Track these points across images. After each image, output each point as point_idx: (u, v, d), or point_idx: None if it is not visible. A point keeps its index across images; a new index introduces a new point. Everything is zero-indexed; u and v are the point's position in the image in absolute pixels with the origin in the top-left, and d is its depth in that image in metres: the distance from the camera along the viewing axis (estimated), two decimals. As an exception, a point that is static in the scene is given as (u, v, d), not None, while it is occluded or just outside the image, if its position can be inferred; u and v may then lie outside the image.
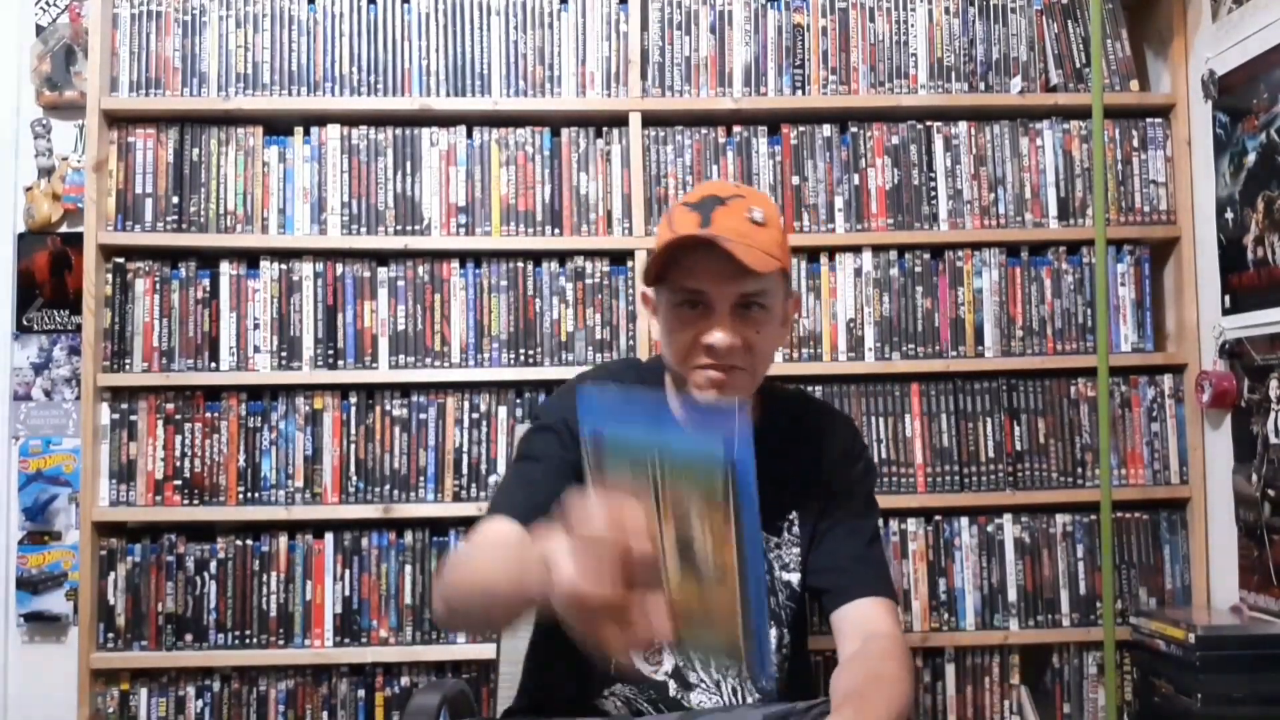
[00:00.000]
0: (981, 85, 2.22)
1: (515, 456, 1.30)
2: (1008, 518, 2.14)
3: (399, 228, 2.14)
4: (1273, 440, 1.93)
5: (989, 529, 2.13)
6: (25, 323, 2.28)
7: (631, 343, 2.14)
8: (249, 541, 2.07)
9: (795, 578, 1.24)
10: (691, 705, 1.19)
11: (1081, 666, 2.13)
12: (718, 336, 1.11)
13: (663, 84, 2.18)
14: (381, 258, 2.15)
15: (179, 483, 2.07)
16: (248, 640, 2.05)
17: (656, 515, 0.70)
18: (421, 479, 2.11)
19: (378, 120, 2.16)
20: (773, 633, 1.22)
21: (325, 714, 2.06)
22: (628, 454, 0.70)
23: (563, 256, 2.15)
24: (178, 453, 2.08)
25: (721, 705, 1.19)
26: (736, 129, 2.19)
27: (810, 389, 2.12)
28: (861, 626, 1.15)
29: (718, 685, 1.20)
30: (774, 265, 1.13)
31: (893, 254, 2.18)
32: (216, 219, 2.13)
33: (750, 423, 0.69)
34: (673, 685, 1.19)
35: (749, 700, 1.20)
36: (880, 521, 1.31)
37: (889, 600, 1.20)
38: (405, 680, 2.07)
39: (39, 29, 2.32)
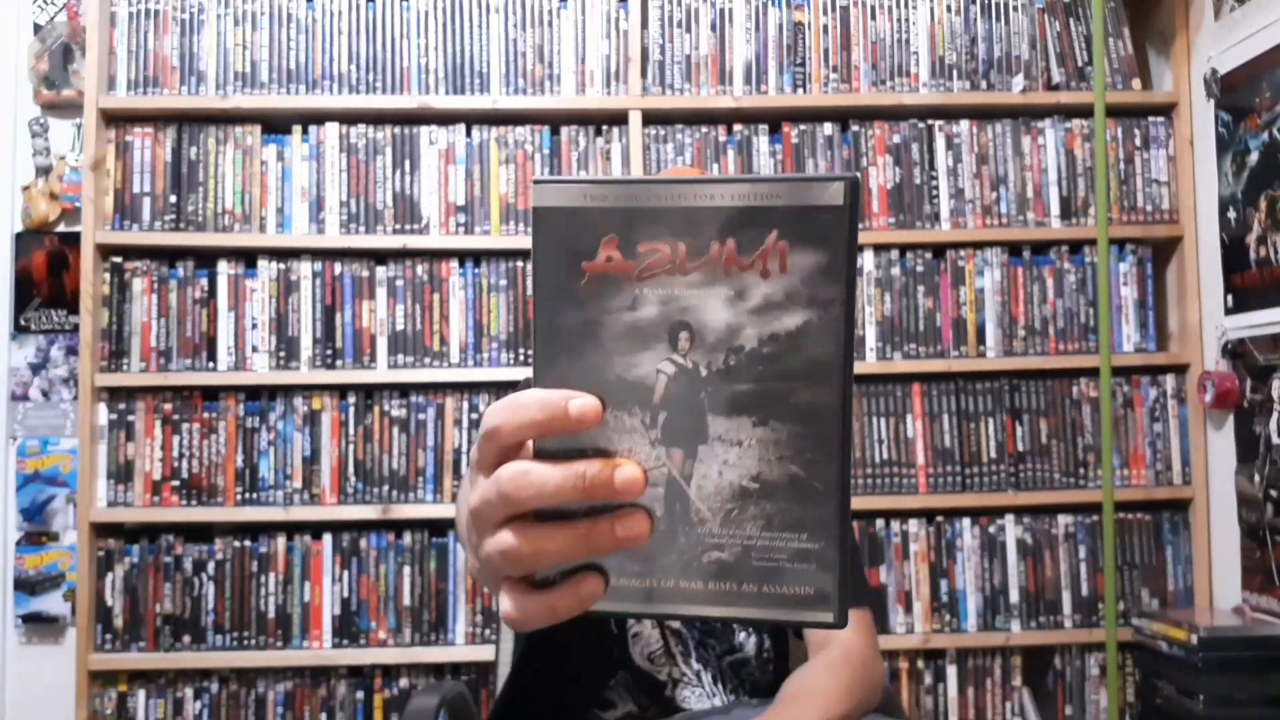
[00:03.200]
0: (983, 84, 2.21)
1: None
2: (1009, 518, 2.13)
3: (398, 227, 2.13)
4: (1275, 441, 1.92)
5: (991, 530, 2.13)
6: (23, 323, 2.27)
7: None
8: (247, 542, 2.06)
9: None
10: (678, 701, 1.18)
11: (1083, 668, 2.12)
12: None
13: (663, 82, 2.17)
14: (380, 257, 2.14)
15: (177, 483, 2.07)
16: (246, 642, 2.05)
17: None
18: (420, 479, 2.10)
19: (376, 119, 2.15)
20: (752, 640, 1.21)
21: (324, 715, 2.05)
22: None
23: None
24: (175, 453, 2.07)
25: (707, 696, 1.18)
26: (737, 127, 2.18)
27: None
28: (836, 648, 1.12)
29: (698, 676, 1.19)
30: None
31: (894, 253, 2.17)
32: (214, 218, 2.12)
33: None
34: (669, 685, 1.19)
35: (727, 686, 1.20)
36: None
37: (860, 611, 1.17)
38: (404, 682, 2.07)
39: (37, 28, 2.31)
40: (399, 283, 2.13)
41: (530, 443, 0.44)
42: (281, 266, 2.12)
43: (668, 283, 0.42)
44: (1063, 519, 2.13)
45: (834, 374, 0.42)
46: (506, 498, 0.42)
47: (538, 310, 0.43)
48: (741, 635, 1.21)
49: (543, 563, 0.43)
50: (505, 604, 0.44)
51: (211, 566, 2.05)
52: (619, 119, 2.16)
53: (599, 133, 2.17)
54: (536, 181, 0.43)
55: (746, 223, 0.41)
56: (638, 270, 0.42)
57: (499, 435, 0.43)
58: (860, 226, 2.16)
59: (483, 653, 2.04)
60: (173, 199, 2.11)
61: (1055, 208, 2.19)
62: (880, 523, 2.12)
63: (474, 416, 2.11)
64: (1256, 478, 1.97)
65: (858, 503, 2.09)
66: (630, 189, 0.42)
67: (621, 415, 0.42)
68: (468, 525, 0.47)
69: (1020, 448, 2.15)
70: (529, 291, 2.14)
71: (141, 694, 2.04)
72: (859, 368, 2.14)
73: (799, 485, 0.42)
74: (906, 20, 2.21)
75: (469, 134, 2.16)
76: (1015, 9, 2.22)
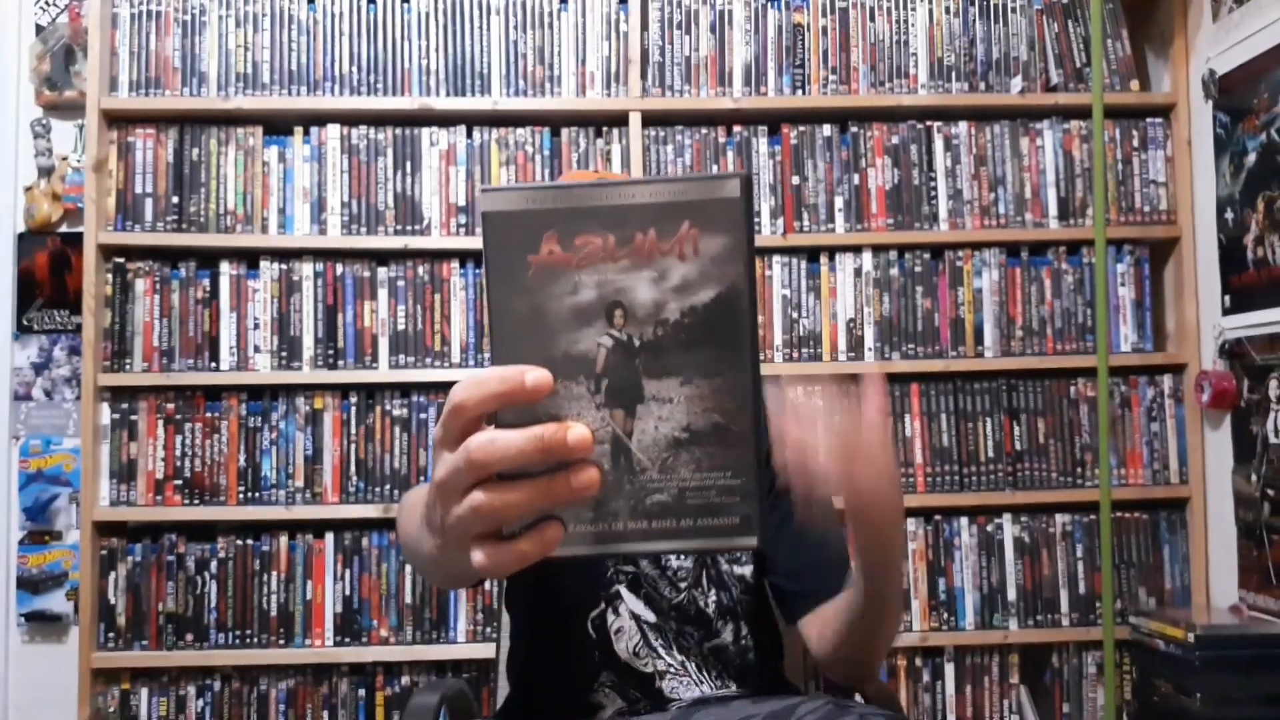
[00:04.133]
0: (982, 85, 2.21)
1: None
2: (1007, 517, 2.14)
3: (399, 227, 2.14)
4: (1272, 440, 1.93)
5: (988, 529, 2.14)
6: (25, 323, 2.28)
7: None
8: (249, 541, 2.07)
9: (748, 570, 1.23)
10: (666, 693, 1.19)
11: (1081, 666, 2.13)
12: None
13: (663, 84, 2.18)
14: (381, 257, 2.15)
15: (179, 482, 2.08)
16: (248, 640, 2.06)
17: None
18: (422, 479, 2.11)
19: (378, 120, 2.16)
20: (729, 628, 1.22)
21: (325, 713, 2.06)
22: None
23: (563, 256, 2.15)
24: (178, 452, 2.08)
25: (695, 684, 1.19)
26: (736, 129, 2.19)
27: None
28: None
29: (683, 666, 1.20)
30: None
31: (893, 254, 2.18)
32: (216, 219, 2.13)
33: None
34: (656, 678, 1.20)
35: (712, 674, 1.20)
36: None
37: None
38: (405, 679, 2.08)
39: (39, 29, 2.31)
40: (400, 283, 2.13)
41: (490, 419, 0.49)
42: (283, 267, 2.13)
43: (602, 269, 0.49)
44: (1060, 518, 2.14)
45: (743, 336, 0.49)
46: (475, 464, 0.47)
47: (492, 300, 0.49)
48: (719, 622, 1.22)
49: (510, 515, 0.48)
50: (478, 556, 0.49)
51: (214, 565, 2.06)
52: (619, 120, 2.17)
53: (599, 134, 2.18)
54: (484, 190, 0.49)
55: (664, 216, 0.48)
56: (576, 260, 0.49)
57: (465, 409, 0.48)
58: (857, 227, 2.18)
59: (484, 650, 2.05)
60: (175, 200, 2.12)
61: (1053, 208, 2.20)
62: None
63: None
64: (1253, 477, 1.98)
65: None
66: (565, 192, 0.49)
67: (570, 384, 0.49)
68: (429, 506, 0.53)
69: (1018, 447, 2.16)
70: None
71: (144, 692, 2.05)
72: (859, 366, 2.15)
73: (721, 431, 0.50)
74: (905, 22, 2.21)
75: (470, 135, 2.17)
76: (1013, 10, 2.23)
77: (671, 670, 1.20)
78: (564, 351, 0.49)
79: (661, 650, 1.20)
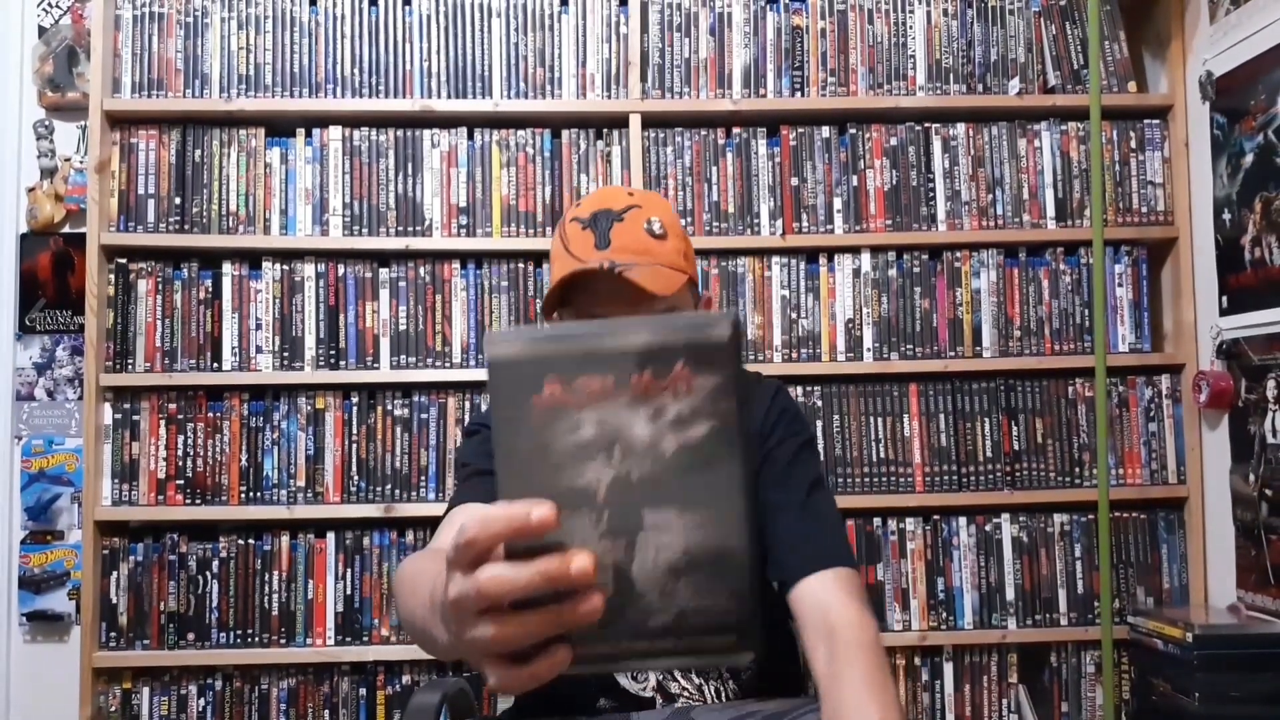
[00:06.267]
0: (979, 87, 2.22)
1: (456, 469, 1.27)
2: (1006, 517, 2.15)
3: (400, 228, 2.15)
4: (1270, 440, 1.94)
5: (987, 528, 2.14)
6: (28, 323, 2.29)
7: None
8: (251, 541, 2.08)
9: None
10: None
11: (1079, 665, 2.14)
12: None
13: (662, 85, 2.19)
14: (383, 258, 2.16)
15: (181, 482, 2.08)
16: (250, 639, 2.06)
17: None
18: (423, 478, 2.12)
19: (379, 121, 2.17)
20: None
21: (327, 712, 2.07)
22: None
23: (563, 257, 2.16)
24: (180, 452, 2.09)
25: (698, 697, 1.18)
26: (736, 130, 2.20)
27: (809, 389, 2.14)
28: (818, 615, 1.03)
29: (700, 689, 1.19)
30: (680, 281, 1.10)
31: (891, 255, 2.19)
32: (219, 220, 2.14)
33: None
34: (659, 701, 1.19)
35: (730, 697, 1.19)
36: (822, 474, 1.19)
37: (841, 569, 1.06)
38: (406, 678, 2.09)
39: (41, 30, 2.33)
40: (401, 284, 2.14)
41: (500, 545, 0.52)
42: (285, 268, 2.14)
43: (601, 408, 0.51)
44: (1058, 518, 2.15)
45: (735, 465, 0.52)
46: (485, 595, 0.51)
47: (498, 438, 0.52)
48: None
49: (522, 643, 0.52)
50: (493, 680, 0.53)
51: (215, 564, 2.07)
52: (619, 122, 2.18)
53: (599, 135, 2.19)
54: (489, 337, 0.52)
55: (658, 357, 0.51)
56: (576, 400, 0.51)
57: (475, 545, 0.51)
58: (856, 228, 2.18)
59: (484, 650, 2.05)
60: (177, 200, 2.13)
61: (1051, 210, 2.21)
62: (877, 521, 2.13)
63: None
64: (1251, 477, 1.99)
65: (858, 500, 2.11)
66: (566, 338, 0.52)
67: (573, 516, 0.52)
68: (446, 609, 0.55)
69: (1016, 447, 2.16)
70: (530, 293, 2.16)
71: (146, 691, 2.06)
72: (858, 366, 2.16)
73: (717, 555, 0.52)
74: (903, 24, 2.22)
75: (471, 137, 2.18)
76: (1011, 13, 2.24)
77: (685, 694, 1.18)
78: (567, 485, 0.52)
79: (678, 673, 1.19)
